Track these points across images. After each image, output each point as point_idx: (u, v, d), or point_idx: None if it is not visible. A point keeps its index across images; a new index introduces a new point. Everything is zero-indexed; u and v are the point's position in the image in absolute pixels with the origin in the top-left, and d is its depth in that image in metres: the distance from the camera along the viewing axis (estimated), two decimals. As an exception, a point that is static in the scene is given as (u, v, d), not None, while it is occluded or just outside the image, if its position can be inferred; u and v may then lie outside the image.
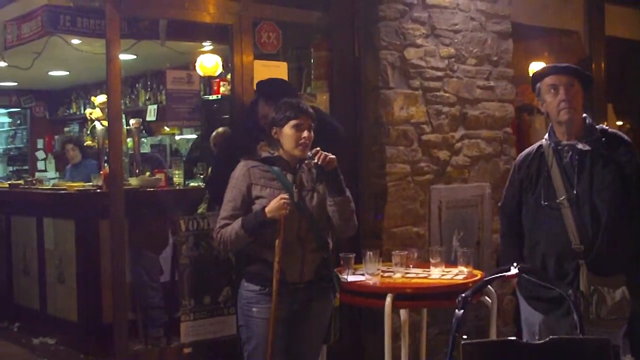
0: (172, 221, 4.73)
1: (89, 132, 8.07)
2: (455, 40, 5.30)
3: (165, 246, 5.34)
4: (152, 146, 8.91)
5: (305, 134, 3.41)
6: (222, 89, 7.26)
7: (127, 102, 9.29)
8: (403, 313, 3.83)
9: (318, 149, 3.40)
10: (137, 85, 9.40)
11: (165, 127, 8.67)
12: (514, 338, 2.54)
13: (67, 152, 7.63)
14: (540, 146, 3.38)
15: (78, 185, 5.82)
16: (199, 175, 5.73)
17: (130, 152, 6.36)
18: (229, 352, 4.12)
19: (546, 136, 3.38)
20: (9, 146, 12.75)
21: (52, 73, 9.59)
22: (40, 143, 11.83)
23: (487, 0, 5.49)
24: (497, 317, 4.19)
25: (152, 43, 6.22)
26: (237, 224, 3.39)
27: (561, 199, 3.21)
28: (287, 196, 3.35)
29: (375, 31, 4.94)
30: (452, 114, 5.27)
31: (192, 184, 5.51)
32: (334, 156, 3.40)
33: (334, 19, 5.05)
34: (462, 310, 2.59)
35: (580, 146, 3.24)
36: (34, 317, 6.20)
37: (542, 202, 3.26)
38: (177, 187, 5.44)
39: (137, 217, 5.07)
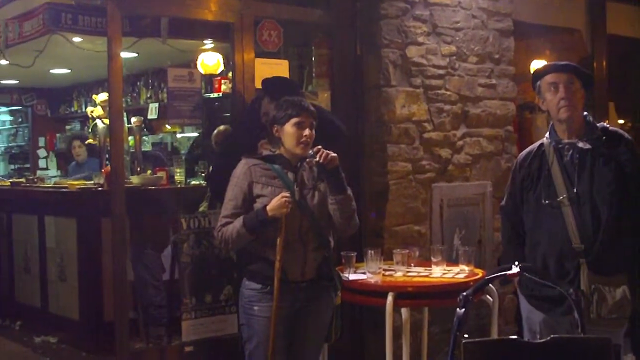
0: (174, 219, 4.72)
1: (90, 130, 8.06)
2: (457, 38, 5.29)
3: (166, 244, 5.33)
4: (153, 144, 8.90)
5: (306, 132, 3.41)
6: (223, 87, 7.24)
7: (129, 100, 9.28)
8: (404, 312, 3.82)
9: (319, 147, 3.39)
10: (138, 83, 9.38)
11: (167, 125, 8.68)
12: (515, 337, 2.53)
13: (73, 148, 7.41)
14: (541, 145, 3.37)
15: (79, 183, 5.82)
16: (200, 173, 5.72)
17: (132, 150, 6.35)
18: (230, 351, 4.11)
19: (547, 135, 3.38)
20: (10, 144, 12.72)
21: (54, 71, 9.57)
22: (41, 141, 11.81)
23: (488, -2, 5.49)
24: (498, 315, 4.19)
25: (154, 41, 6.22)
26: (238, 222, 3.39)
27: (562, 197, 3.21)
28: (288, 194, 3.35)
29: (376, 29, 4.93)
30: (453, 112, 5.26)
31: (193, 182, 5.50)
32: (335, 154, 3.39)
33: (336, 17, 5.04)
34: (463, 309, 2.59)
35: (580, 145, 3.24)
36: (36, 315, 6.21)
37: (543, 201, 3.26)
38: (179, 185, 5.44)
39: (139, 216, 5.07)
